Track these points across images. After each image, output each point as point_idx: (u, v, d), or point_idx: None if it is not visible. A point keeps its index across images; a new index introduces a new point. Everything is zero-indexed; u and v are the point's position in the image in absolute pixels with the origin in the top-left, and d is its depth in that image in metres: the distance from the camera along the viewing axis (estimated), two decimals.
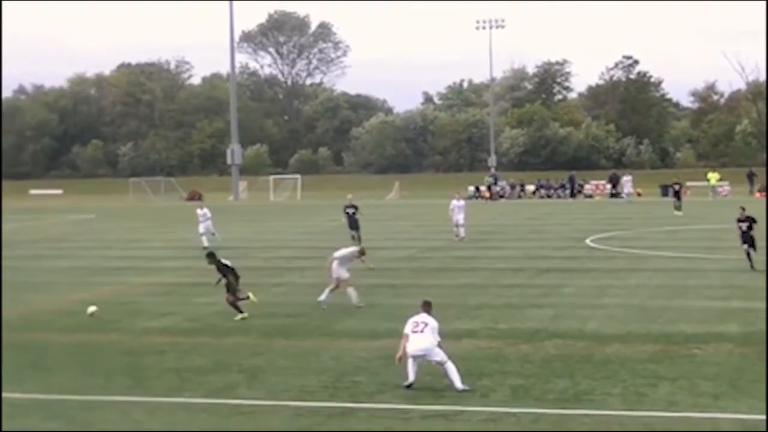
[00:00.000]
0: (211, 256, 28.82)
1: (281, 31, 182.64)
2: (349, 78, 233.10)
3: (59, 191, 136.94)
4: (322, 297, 29.23)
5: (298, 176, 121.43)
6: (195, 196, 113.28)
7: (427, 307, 20.55)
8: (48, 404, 18.93)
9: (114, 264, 44.08)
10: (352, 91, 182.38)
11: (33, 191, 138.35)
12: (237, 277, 28.49)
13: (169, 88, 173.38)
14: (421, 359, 19.60)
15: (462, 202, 51.56)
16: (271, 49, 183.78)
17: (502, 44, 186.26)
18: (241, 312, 28.04)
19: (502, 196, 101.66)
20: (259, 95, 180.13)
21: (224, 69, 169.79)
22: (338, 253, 30.02)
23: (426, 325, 19.85)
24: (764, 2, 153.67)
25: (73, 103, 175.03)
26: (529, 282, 34.86)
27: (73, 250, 51.10)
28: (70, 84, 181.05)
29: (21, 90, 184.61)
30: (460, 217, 50.63)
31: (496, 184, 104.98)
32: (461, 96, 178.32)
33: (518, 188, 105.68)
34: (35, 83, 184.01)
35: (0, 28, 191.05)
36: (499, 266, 39.80)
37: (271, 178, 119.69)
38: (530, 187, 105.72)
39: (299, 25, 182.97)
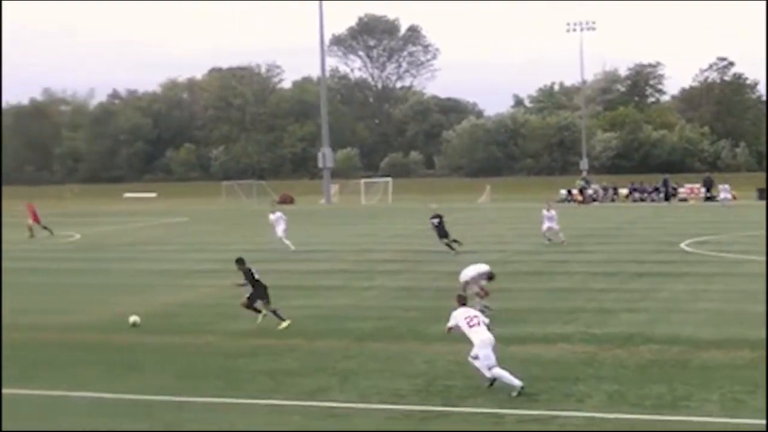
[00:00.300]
0: (241, 262, 28.34)
1: (371, 35, 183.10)
2: (439, 81, 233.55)
3: (153, 194, 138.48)
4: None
5: (389, 179, 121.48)
6: (286, 200, 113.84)
7: (463, 300, 21.03)
8: (142, 405, 19.06)
9: (207, 266, 44.35)
10: (443, 95, 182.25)
11: (127, 194, 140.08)
12: (265, 289, 27.90)
13: (260, 92, 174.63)
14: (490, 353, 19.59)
15: (552, 213, 51.08)
16: (361, 53, 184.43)
17: (594, 46, 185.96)
18: (258, 312, 27.76)
19: (594, 200, 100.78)
20: (349, 99, 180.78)
21: (315, 72, 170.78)
22: (467, 274, 28.40)
23: (479, 318, 20.25)
24: (764, 2, 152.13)
25: (166, 108, 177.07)
26: (623, 286, 34.45)
27: (167, 253, 51.53)
28: (163, 88, 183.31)
29: (115, 95, 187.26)
30: (552, 225, 50.33)
31: (587, 187, 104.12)
32: (552, 99, 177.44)
33: (611, 192, 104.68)
34: (129, 88, 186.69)
35: (0, 29, 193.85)
36: (592, 270, 39.40)
37: (362, 181, 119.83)
38: (623, 191, 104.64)
39: (389, 28, 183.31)
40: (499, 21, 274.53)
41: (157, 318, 29.80)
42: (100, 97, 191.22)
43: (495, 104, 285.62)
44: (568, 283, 35.88)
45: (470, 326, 19.95)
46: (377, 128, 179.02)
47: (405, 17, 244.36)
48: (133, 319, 28.23)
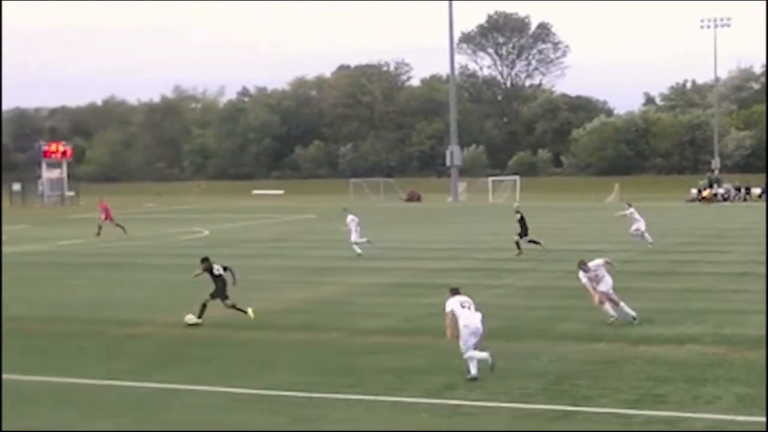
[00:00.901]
0: (205, 261, 28.99)
1: (501, 32, 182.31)
2: (569, 79, 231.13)
3: (280, 191, 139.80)
4: (611, 312, 26.90)
5: (516, 178, 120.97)
6: (413, 197, 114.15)
7: (456, 291, 21.82)
8: (272, 400, 19.24)
9: (333, 264, 44.61)
10: (572, 93, 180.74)
11: (255, 191, 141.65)
12: (224, 285, 28.51)
13: (389, 90, 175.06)
14: (476, 338, 20.85)
15: (632, 211, 50.55)
16: (491, 50, 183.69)
17: (728, 43, 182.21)
18: (245, 311, 28.35)
19: (726, 199, 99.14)
20: (477, 96, 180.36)
21: (443, 70, 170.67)
22: (586, 278, 27.32)
23: (471, 303, 21.41)
24: (764, 2, 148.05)
25: (295, 105, 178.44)
26: (755, 287, 33.74)
27: (294, 250, 51.97)
28: (291, 86, 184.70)
29: (244, 92, 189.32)
30: (640, 225, 49.63)
31: (712, 186, 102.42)
32: (684, 97, 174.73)
33: (743, 191, 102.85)
34: (258, 85, 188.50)
35: (0, 30, 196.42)
36: (721, 270, 38.76)
37: (490, 179, 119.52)
38: (756, 191, 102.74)
39: (519, 25, 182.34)
40: (630, 19, 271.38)
41: (284, 314, 30.07)
42: (230, 94, 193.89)
43: (625, 102, 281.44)
44: (697, 283, 35.35)
45: (462, 307, 21.09)
46: (505, 126, 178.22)
47: (535, 14, 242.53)
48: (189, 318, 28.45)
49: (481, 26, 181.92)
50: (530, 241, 47.07)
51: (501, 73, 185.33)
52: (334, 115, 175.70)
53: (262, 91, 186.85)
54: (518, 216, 47.75)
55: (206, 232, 62.62)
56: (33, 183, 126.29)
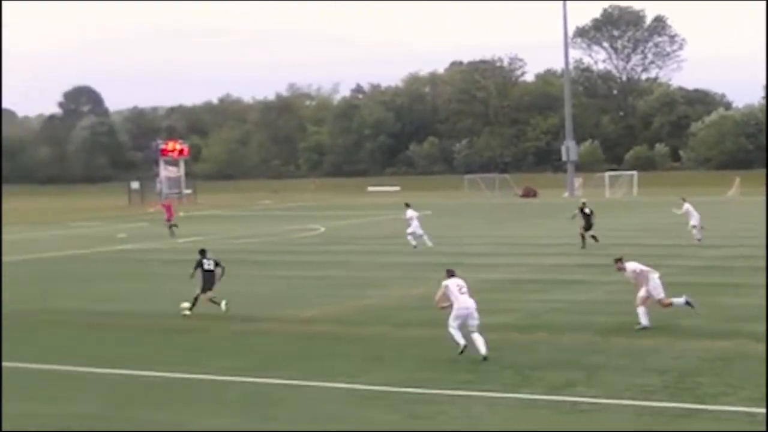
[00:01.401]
0: (202, 253, 30.83)
1: (616, 26, 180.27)
2: (685, 72, 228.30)
3: (396, 188, 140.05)
4: (643, 320, 25.91)
5: (634, 173, 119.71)
6: (529, 193, 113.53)
7: (452, 272, 23.85)
8: (389, 396, 19.22)
9: (448, 260, 44.39)
10: (689, 86, 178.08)
11: (370, 188, 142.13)
12: (212, 279, 30.21)
13: (503, 85, 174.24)
14: (464, 319, 22.69)
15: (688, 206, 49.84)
16: (605, 44, 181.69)
17: None
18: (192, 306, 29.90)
19: None
20: (593, 91, 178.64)
21: (558, 65, 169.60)
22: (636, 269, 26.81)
23: (466, 287, 23.31)
24: (764, 2, 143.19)
25: (409, 102, 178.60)
26: None
27: (410, 246, 51.95)
28: (405, 83, 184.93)
29: (358, 89, 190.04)
30: (694, 221, 49.14)
31: None
32: None
33: None
34: (372, 82, 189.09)
35: (0, 29, 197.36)
36: None
37: (606, 174, 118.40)
38: None
39: (634, 19, 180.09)
40: (747, 11, 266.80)
41: (401, 311, 30.10)
42: (344, 91, 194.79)
43: (744, 95, 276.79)
44: None
45: (461, 293, 23.02)
46: (621, 121, 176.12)
47: (651, 8, 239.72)
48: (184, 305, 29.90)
49: (595, 20, 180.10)
50: (592, 236, 48.11)
51: (616, 67, 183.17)
52: (448, 111, 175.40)
53: (376, 88, 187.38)
54: (583, 210, 48.83)
55: (322, 229, 62.96)
56: (151, 181, 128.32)
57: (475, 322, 22.73)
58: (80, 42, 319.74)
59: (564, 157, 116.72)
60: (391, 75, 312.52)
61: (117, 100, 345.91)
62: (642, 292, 26.01)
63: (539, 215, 55.76)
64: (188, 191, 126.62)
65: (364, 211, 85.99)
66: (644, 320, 25.71)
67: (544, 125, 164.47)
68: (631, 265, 26.59)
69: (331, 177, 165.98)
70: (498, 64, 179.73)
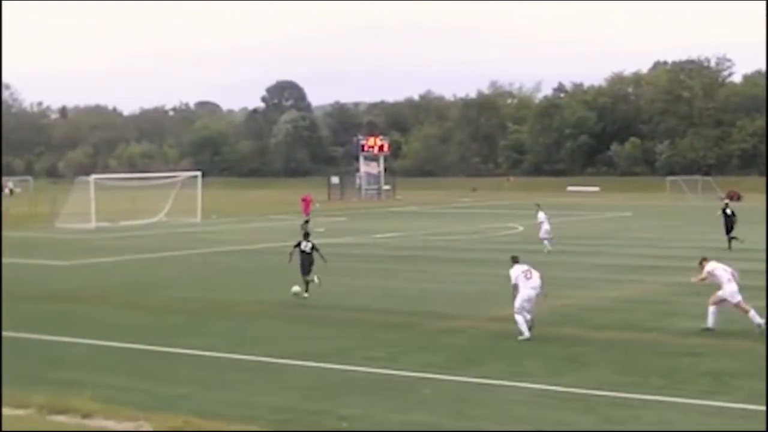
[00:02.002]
0: (306, 236, 35.44)
1: None
2: None
3: (596, 188, 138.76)
4: (710, 321, 26.25)
5: None
6: (733, 196, 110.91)
7: (516, 259, 27.07)
8: (584, 398, 19.16)
9: (649, 263, 43.99)
10: None
11: (570, 188, 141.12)
12: (310, 262, 34.18)
13: (709, 86, 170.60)
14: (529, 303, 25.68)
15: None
16: None
17: None
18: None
19: None
20: None
21: None
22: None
23: (531, 269, 26.46)
24: (764, 2, 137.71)
25: (611, 101, 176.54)
26: None
27: (609, 248, 51.56)
28: (608, 82, 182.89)
29: (560, 88, 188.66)
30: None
31: None
32: None
33: None
34: (574, 81, 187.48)
35: (0, 28, 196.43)
36: None
37: None
38: None
39: None
40: None
41: (600, 312, 29.92)
42: (546, 90, 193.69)
43: None
44: None
45: (527, 278, 25.89)
46: None
47: None
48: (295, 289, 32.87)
49: None
50: (731, 238, 49.26)
51: None
52: (651, 112, 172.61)
53: (578, 87, 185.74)
54: (725, 212, 50.61)
55: (520, 228, 62.85)
56: (351, 176, 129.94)
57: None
58: (283, 37, 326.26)
59: None
60: (593, 74, 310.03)
61: (319, 95, 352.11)
62: (718, 293, 26.36)
63: (741, 220, 54.48)
64: (387, 187, 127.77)
65: (563, 211, 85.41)
66: (711, 321, 26.13)
67: (750, 127, 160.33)
68: (710, 266, 27.01)
69: (531, 176, 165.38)
70: (705, 64, 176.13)
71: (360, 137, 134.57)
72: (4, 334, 26.59)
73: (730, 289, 26.02)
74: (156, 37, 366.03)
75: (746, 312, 26.01)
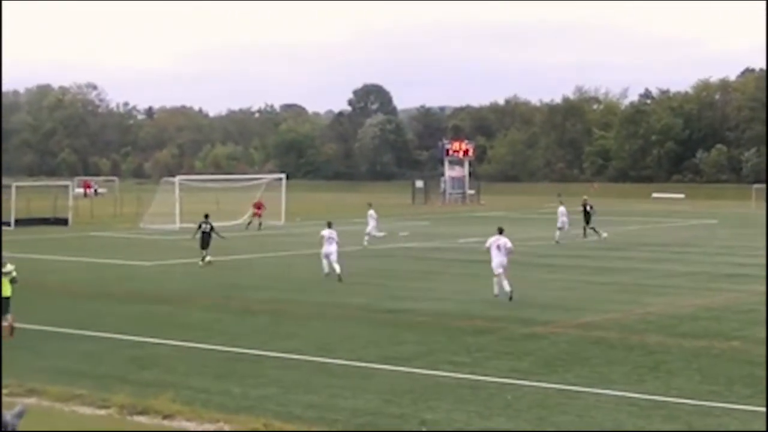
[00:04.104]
0: (206, 217, 47.60)
1: None
2: None
3: (681, 195, 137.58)
4: (495, 288, 28.91)
5: None
6: None
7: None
8: (669, 406, 19.06)
9: (735, 271, 43.61)
10: None
11: (655, 195, 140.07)
12: (208, 239, 46.58)
13: None
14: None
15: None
16: None
17: None
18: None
19: None
20: None
21: None
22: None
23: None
24: (764, 2, 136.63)
25: (698, 108, 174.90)
26: None
27: (695, 255, 51.13)
28: (694, 89, 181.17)
29: (647, 94, 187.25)
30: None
31: None
32: None
33: None
34: (661, 88, 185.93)
35: (0, 28, 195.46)
36: None
37: None
38: None
39: None
40: None
41: (684, 320, 29.70)
42: (632, 96, 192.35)
43: None
44: None
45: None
46: None
47: None
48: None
49: None
50: None
51: None
52: (738, 119, 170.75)
53: (664, 93, 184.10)
54: None
55: (605, 235, 62.49)
56: (435, 180, 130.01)
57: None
58: (370, 40, 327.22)
59: None
60: (680, 81, 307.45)
61: (405, 99, 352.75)
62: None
63: None
64: (471, 192, 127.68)
65: (649, 218, 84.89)
66: (496, 288, 32.24)
67: None
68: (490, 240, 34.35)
69: (616, 183, 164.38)
70: None
71: (445, 141, 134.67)
72: (88, 333, 27.08)
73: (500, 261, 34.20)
74: (242, 38, 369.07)
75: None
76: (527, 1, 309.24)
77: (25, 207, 77.75)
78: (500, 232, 35.13)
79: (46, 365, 22.86)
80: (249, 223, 71.47)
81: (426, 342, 26.05)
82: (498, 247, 34.29)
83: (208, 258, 45.84)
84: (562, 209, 60.22)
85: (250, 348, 25.06)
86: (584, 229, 58.47)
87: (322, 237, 41.04)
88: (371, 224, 56.84)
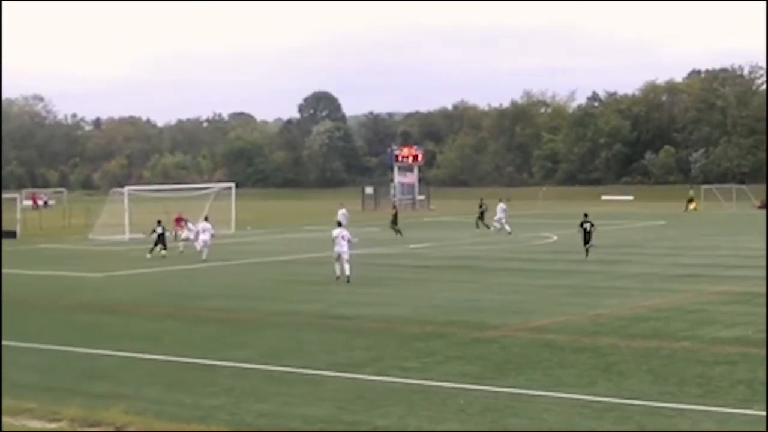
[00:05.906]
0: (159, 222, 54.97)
1: None
2: None
3: (630, 197, 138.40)
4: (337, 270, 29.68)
5: None
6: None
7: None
8: (619, 407, 19.10)
9: (683, 271, 43.89)
10: None
11: (604, 197, 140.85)
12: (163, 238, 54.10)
13: (743, 94, 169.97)
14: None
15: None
16: None
17: None
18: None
19: None
20: None
21: None
22: None
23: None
24: (764, 2, 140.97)
25: (645, 110, 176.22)
26: None
27: (643, 256, 51.45)
28: (642, 91, 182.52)
29: (594, 97, 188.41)
30: None
31: None
32: None
33: None
34: (608, 90, 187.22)
35: (0, 29, 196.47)
36: None
37: None
38: None
39: None
40: None
41: (634, 322, 29.80)
42: (580, 99, 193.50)
43: None
44: None
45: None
46: None
47: None
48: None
49: None
50: None
51: None
52: (685, 120, 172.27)
53: (612, 95, 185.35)
54: None
55: (555, 238, 62.77)
56: (385, 186, 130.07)
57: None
58: (317, 48, 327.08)
59: None
60: (627, 83, 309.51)
61: (354, 105, 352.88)
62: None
63: None
64: (421, 197, 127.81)
65: (598, 221, 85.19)
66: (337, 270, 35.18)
67: None
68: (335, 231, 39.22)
69: (565, 185, 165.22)
70: (738, 72, 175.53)
71: (394, 147, 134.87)
72: (38, 346, 26.83)
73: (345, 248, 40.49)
74: (191, 47, 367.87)
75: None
76: (476, 3, 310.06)
77: None
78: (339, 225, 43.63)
79: None
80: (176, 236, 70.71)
81: (377, 348, 26.00)
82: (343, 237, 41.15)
83: (163, 252, 54.05)
84: (501, 205, 67.94)
85: (201, 357, 24.90)
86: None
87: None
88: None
